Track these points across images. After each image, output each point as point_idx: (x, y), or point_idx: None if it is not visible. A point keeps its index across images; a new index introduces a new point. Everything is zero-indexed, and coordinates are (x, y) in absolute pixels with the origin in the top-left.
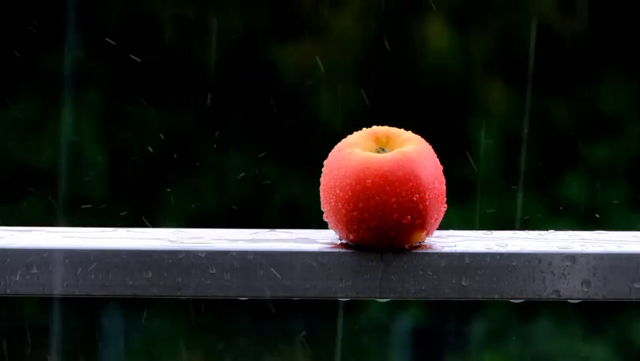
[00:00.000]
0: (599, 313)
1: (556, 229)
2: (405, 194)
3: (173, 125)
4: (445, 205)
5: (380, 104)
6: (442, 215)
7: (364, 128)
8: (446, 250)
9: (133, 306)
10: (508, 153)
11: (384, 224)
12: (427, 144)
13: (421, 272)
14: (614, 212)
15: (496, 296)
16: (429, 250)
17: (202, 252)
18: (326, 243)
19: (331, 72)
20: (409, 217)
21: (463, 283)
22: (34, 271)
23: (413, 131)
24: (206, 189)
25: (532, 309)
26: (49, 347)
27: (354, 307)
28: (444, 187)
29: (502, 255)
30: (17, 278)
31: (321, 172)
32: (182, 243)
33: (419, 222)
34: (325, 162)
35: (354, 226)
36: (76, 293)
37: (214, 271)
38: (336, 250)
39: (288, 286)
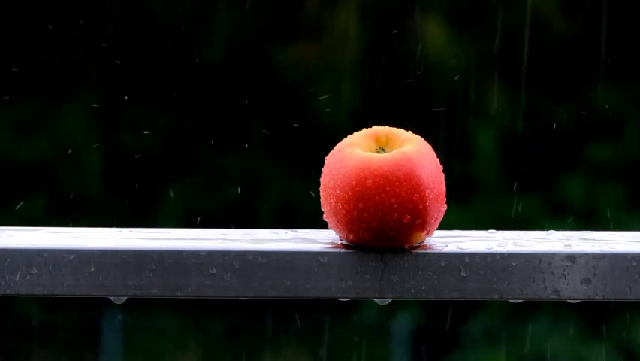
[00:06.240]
0: (599, 313)
1: (556, 229)
2: (405, 194)
3: (173, 124)
4: (445, 205)
5: (380, 104)
6: (442, 215)
7: (364, 129)
8: (446, 250)
9: (133, 306)
10: (508, 153)
11: (384, 224)
12: (427, 144)
13: (421, 272)
14: (613, 212)
15: (495, 296)
16: (429, 250)
17: (202, 252)
18: (326, 243)
19: (331, 72)
20: (409, 217)
21: (463, 283)
22: (34, 271)
23: (413, 132)
24: (206, 189)
25: (531, 309)
26: (49, 347)
27: (354, 307)
28: (444, 187)
29: (502, 255)
30: (17, 278)
31: (321, 172)
32: (182, 243)
33: (419, 222)
34: (325, 162)
35: (354, 226)
36: (77, 293)
37: (214, 271)
38: (336, 250)
39: (288, 286)
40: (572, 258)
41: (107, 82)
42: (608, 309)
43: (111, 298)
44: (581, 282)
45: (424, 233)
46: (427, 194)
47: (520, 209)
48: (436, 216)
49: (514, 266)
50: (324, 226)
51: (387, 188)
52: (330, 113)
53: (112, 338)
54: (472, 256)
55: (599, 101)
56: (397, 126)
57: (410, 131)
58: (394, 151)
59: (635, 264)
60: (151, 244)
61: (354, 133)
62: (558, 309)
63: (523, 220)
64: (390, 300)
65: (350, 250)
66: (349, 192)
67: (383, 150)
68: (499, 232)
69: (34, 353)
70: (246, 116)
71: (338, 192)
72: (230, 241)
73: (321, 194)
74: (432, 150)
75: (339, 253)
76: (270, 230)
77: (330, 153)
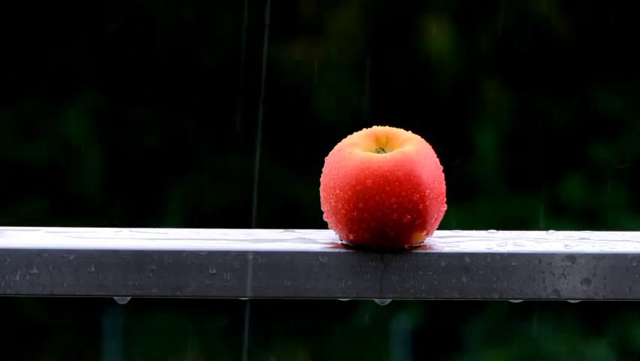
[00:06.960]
0: (599, 313)
1: (556, 229)
2: (405, 194)
3: (173, 124)
4: (445, 205)
5: (380, 104)
6: (442, 215)
7: (364, 129)
8: (446, 250)
9: (134, 306)
10: (508, 154)
11: (384, 224)
12: (427, 144)
13: (421, 272)
14: (614, 212)
15: (496, 296)
16: (429, 250)
17: (202, 252)
18: (326, 243)
19: (331, 72)
20: (409, 217)
21: (463, 283)
22: (34, 271)
23: (413, 132)
24: (206, 189)
25: (532, 309)
26: (49, 347)
27: (354, 307)
28: (444, 187)
29: (502, 255)
30: (17, 278)
31: (321, 172)
32: (182, 243)
33: (419, 222)
34: (325, 162)
35: (354, 226)
36: (77, 293)
37: (214, 271)
38: (336, 250)
39: (288, 286)
40: (572, 258)
41: (107, 82)
42: (608, 309)
43: (115, 298)
44: (581, 282)
45: (424, 233)
46: (427, 194)
47: (520, 209)
48: (436, 216)
49: (514, 266)
50: (324, 226)
51: (387, 188)
52: (330, 113)
53: (112, 338)
54: (472, 256)
55: (599, 101)
56: (397, 126)
57: (410, 132)
58: (394, 151)
59: (635, 264)
60: (151, 244)
61: (354, 133)
62: (559, 309)
63: (523, 220)
64: (390, 300)
65: (350, 250)
66: (349, 192)
67: (383, 150)
68: (499, 232)
69: (34, 353)
70: (246, 116)
71: (338, 192)
72: (230, 241)
73: (321, 194)
74: (432, 150)
75: (339, 253)
76: (270, 230)
77: (330, 153)
